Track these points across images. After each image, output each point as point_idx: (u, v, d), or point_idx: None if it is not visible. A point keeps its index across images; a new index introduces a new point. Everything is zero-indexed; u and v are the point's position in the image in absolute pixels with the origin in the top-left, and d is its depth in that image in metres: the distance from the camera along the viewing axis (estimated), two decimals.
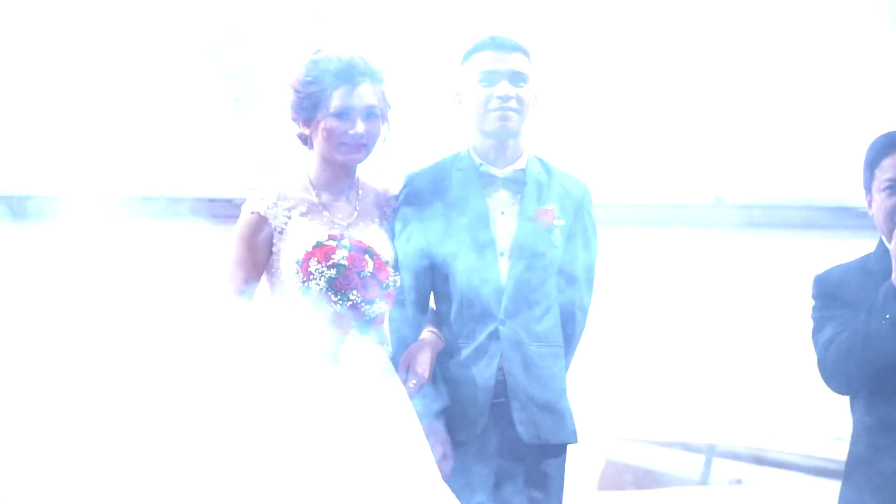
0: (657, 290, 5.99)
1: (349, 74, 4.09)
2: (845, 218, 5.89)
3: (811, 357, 3.87)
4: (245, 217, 4.11)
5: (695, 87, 5.96)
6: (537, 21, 5.84)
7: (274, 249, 4.08)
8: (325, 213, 4.10)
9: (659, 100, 5.96)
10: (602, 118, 5.95)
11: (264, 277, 4.13)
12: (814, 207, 5.97)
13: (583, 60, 5.95)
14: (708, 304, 6.01)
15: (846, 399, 3.98)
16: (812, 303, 4.09)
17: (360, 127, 4.08)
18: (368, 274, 3.81)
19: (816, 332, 4.04)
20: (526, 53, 4.19)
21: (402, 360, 4.06)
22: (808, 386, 5.45)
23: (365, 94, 4.11)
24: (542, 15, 5.86)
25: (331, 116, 4.08)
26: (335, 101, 4.08)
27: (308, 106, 4.11)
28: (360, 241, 3.90)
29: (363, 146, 4.11)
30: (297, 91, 4.13)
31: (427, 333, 4.13)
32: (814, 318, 4.07)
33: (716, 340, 6.04)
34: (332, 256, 3.80)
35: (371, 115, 4.12)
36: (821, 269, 4.06)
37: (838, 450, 5.84)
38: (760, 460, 6.13)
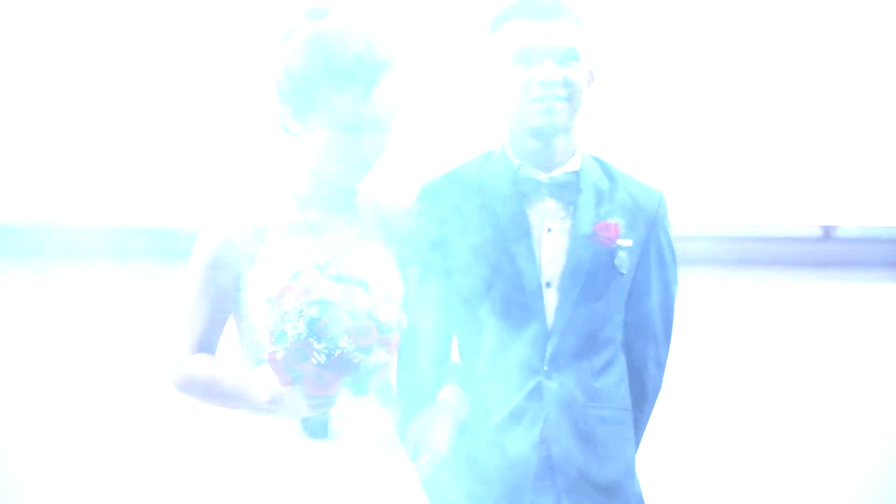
0: (746, 347, 5.48)
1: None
2: None
3: None
4: (204, 242, 3.59)
5: (796, 86, 5.45)
6: None
7: (242, 284, 3.56)
8: (312, 234, 3.60)
9: (753, 103, 5.44)
10: (679, 124, 5.41)
11: (231, 321, 3.63)
12: None
13: (655, 47, 5.45)
14: (814, 365, 5.48)
15: None
16: None
17: None
18: (363, 313, 3.27)
19: None
20: (575, 18, 3.63)
21: (410, 429, 3.59)
22: None
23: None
24: None
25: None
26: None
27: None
28: (349, 270, 3.36)
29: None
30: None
31: (447, 393, 3.65)
32: None
33: (825, 411, 5.50)
34: (315, 290, 3.27)
35: None
36: None
37: None
38: None
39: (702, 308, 5.30)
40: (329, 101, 3.53)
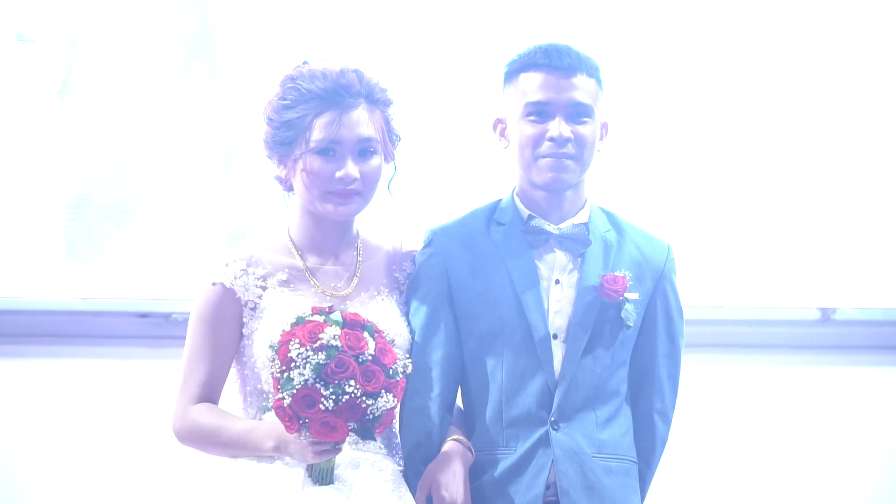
0: (744, 431, 5.40)
1: (336, 95, 3.49)
2: None
3: None
4: (205, 292, 3.53)
5: (793, 169, 5.42)
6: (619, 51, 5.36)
7: (244, 332, 3.53)
8: (313, 280, 3.55)
9: (751, 186, 5.40)
10: (675, 207, 5.38)
11: (234, 371, 3.58)
12: None
13: (651, 127, 5.43)
14: (812, 448, 5.41)
15: None
16: None
17: (350, 168, 3.49)
18: (369, 357, 3.24)
19: None
20: (591, 72, 3.60)
21: (421, 483, 3.51)
22: None
23: (358, 123, 3.50)
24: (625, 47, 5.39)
25: (311, 154, 3.49)
26: (317, 133, 3.48)
27: (284, 139, 3.52)
28: (354, 315, 3.31)
29: (356, 195, 3.53)
30: (270, 120, 3.55)
31: (452, 444, 3.56)
32: None
33: (823, 494, 5.41)
34: (320, 336, 3.23)
35: (367, 151, 3.53)
36: None
37: None
38: None
39: (700, 392, 5.19)
40: (305, 128, 3.49)
